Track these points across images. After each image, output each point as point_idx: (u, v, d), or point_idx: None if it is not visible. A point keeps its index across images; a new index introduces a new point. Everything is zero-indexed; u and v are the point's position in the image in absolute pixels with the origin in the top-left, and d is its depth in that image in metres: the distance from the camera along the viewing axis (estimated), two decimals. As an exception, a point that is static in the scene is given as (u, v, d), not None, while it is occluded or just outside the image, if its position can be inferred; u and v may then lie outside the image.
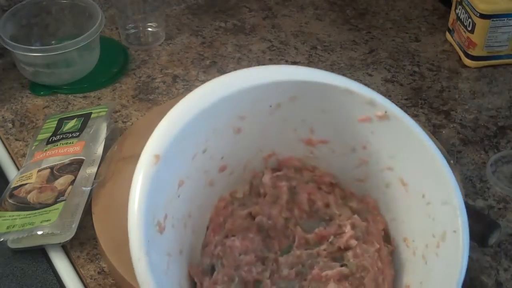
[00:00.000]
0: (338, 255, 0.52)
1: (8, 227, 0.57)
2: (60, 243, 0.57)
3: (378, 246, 0.51)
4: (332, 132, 0.51)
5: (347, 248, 0.51)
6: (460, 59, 0.83)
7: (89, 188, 0.60)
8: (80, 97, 0.77)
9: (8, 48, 0.74)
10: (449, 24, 0.86)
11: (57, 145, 0.66)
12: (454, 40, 0.85)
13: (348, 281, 0.50)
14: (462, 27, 0.81)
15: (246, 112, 0.49)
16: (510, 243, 0.59)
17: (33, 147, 0.68)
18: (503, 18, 0.77)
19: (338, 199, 0.55)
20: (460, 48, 0.83)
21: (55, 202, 0.59)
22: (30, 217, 0.58)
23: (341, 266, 0.51)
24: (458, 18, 0.82)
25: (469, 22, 0.79)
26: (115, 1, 0.83)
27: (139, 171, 0.42)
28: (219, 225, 0.52)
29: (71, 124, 0.69)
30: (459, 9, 0.82)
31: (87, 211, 0.59)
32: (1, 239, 0.57)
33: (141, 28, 0.85)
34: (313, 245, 0.52)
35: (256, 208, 0.53)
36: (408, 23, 0.91)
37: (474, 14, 0.77)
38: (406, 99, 0.77)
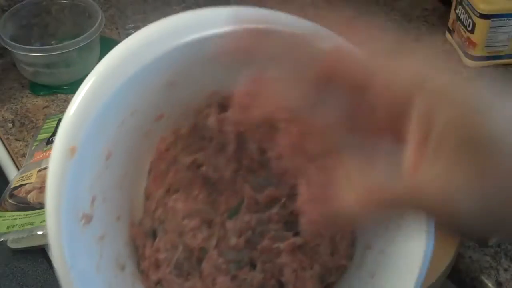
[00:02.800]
0: (291, 220, 0.47)
1: (8, 227, 0.57)
2: (60, 243, 0.57)
3: None
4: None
5: (300, 212, 0.46)
6: (460, 59, 0.83)
7: (89, 188, 0.60)
8: (80, 97, 0.77)
9: (8, 48, 0.74)
10: (449, 24, 0.86)
11: (57, 145, 0.66)
12: (454, 40, 0.85)
13: (302, 251, 0.46)
14: (462, 27, 0.81)
15: (179, 68, 0.42)
16: (510, 243, 0.59)
17: (33, 147, 0.68)
18: (503, 18, 0.77)
19: (293, 141, 0.47)
20: (460, 48, 0.83)
21: (55, 202, 0.59)
22: (30, 217, 0.58)
23: (294, 234, 0.46)
24: (458, 18, 0.82)
25: (469, 22, 0.79)
26: (115, 1, 0.83)
27: (52, 175, 0.37)
28: (161, 173, 0.47)
29: (71, 124, 0.69)
30: (459, 9, 0.82)
31: (87, 211, 0.59)
32: (1, 239, 0.57)
33: (141, 28, 0.85)
34: (264, 207, 0.47)
35: (201, 155, 0.47)
36: (408, 23, 0.91)
37: (474, 14, 0.77)
38: (406, 99, 0.77)
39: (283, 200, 0.47)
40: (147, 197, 0.47)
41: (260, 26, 0.40)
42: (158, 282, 0.45)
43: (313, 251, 0.47)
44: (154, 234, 0.46)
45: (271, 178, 0.47)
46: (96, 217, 0.40)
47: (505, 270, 0.57)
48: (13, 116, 0.75)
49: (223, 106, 0.47)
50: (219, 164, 0.47)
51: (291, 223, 0.47)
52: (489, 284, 0.56)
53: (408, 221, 0.42)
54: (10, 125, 0.74)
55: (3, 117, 0.75)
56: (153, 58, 0.39)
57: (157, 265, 0.45)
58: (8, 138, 0.72)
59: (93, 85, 0.39)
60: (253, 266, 0.46)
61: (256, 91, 0.41)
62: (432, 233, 0.40)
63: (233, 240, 0.46)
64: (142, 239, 0.45)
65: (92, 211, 0.40)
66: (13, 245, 0.57)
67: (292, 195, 0.47)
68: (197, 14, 0.43)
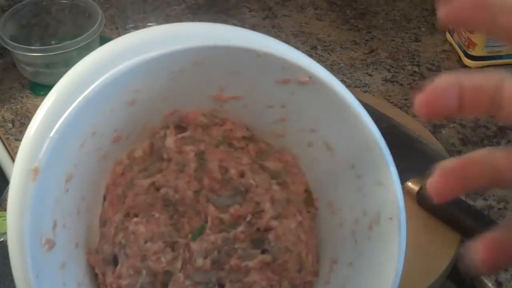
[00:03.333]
0: (258, 237, 0.46)
1: (8, 227, 0.57)
2: (60, 243, 0.57)
3: (300, 218, 0.46)
4: (245, 90, 0.45)
5: (268, 229, 0.46)
6: (460, 59, 0.83)
7: (89, 188, 0.60)
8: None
9: (8, 48, 0.74)
10: (449, 24, 0.86)
11: (57, 145, 0.66)
12: (454, 40, 0.85)
13: (271, 268, 0.45)
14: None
15: (141, 85, 0.41)
16: (510, 243, 0.59)
17: (33, 147, 0.68)
18: (503, 18, 0.77)
19: (253, 159, 0.48)
20: (460, 48, 0.83)
21: (55, 202, 0.59)
22: (30, 217, 0.58)
23: (263, 252, 0.46)
24: (458, 18, 0.82)
25: (469, 22, 0.79)
26: (115, 1, 0.83)
27: (14, 197, 0.36)
28: (117, 198, 0.45)
29: (71, 124, 0.69)
30: (459, 9, 0.82)
31: (87, 211, 0.59)
32: (1, 239, 0.57)
33: (141, 28, 0.85)
34: (229, 226, 0.46)
35: (160, 177, 0.46)
36: (408, 23, 0.91)
37: (474, 14, 0.77)
38: (406, 99, 0.77)
39: (249, 218, 0.46)
40: (104, 223, 0.45)
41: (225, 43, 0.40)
42: None
43: (282, 267, 0.46)
44: (115, 260, 0.44)
45: (234, 196, 0.47)
46: (58, 243, 0.39)
47: (505, 270, 0.57)
48: (13, 116, 0.75)
49: (181, 127, 0.47)
50: (179, 185, 0.46)
51: (258, 240, 0.46)
52: (489, 284, 0.56)
53: (377, 232, 0.41)
54: (10, 125, 0.74)
55: (3, 117, 0.75)
56: (116, 75, 0.38)
57: None
58: (8, 138, 0.72)
59: (54, 103, 0.38)
60: (221, 286, 0.45)
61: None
62: (403, 244, 0.39)
63: (199, 261, 0.45)
64: (101, 267, 0.44)
65: (54, 237, 0.39)
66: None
67: (257, 212, 0.46)
68: (166, 29, 0.42)
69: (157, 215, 0.45)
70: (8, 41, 0.73)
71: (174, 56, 0.40)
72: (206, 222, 0.45)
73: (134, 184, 0.45)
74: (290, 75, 0.41)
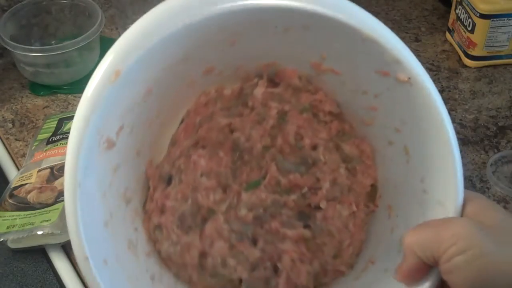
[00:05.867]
0: (306, 212, 0.46)
1: (8, 227, 0.57)
2: (60, 243, 0.57)
3: (355, 209, 0.46)
4: (345, 68, 0.44)
5: (318, 207, 0.46)
6: (460, 59, 0.83)
7: (89, 188, 0.60)
8: (80, 97, 0.76)
9: (8, 48, 0.74)
10: (449, 24, 0.86)
11: (57, 145, 0.66)
12: (454, 40, 0.85)
13: (306, 245, 0.46)
14: (462, 27, 0.81)
15: (243, 29, 0.41)
16: (510, 243, 0.59)
17: (33, 147, 0.68)
18: (503, 18, 0.77)
19: (332, 137, 0.48)
20: (460, 48, 0.83)
21: (55, 202, 0.59)
22: (30, 217, 0.58)
23: (305, 226, 0.46)
24: (458, 18, 0.82)
25: (469, 22, 0.79)
26: (115, 1, 0.83)
27: (91, 90, 0.38)
28: (193, 126, 0.46)
29: (71, 124, 0.69)
30: (459, 9, 0.82)
31: (87, 211, 0.59)
32: (1, 239, 0.57)
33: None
34: (283, 191, 0.46)
35: (238, 121, 0.46)
36: (408, 23, 0.91)
37: (474, 14, 0.77)
38: (406, 99, 0.77)
39: (305, 190, 0.46)
40: (173, 143, 0.47)
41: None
42: (158, 226, 0.45)
43: (318, 248, 0.46)
44: (169, 181, 0.46)
45: (299, 165, 0.47)
46: (118, 146, 0.40)
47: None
48: (13, 116, 0.75)
49: (274, 82, 0.47)
50: (252, 135, 0.47)
51: (305, 214, 0.46)
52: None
53: None
54: (10, 125, 0.74)
55: (3, 117, 0.75)
56: (218, 11, 0.39)
57: (162, 210, 0.45)
58: (8, 138, 0.72)
59: (157, 19, 0.39)
60: (254, 242, 0.45)
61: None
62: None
63: (243, 212, 0.45)
64: (155, 181, 0.46)
65: (116, 139, 0.40)
66: (13, 245, 0.57)
67: (314, 188, 0.46)
68: None
69: (221, 154, 0.46)
70: (8, 41, 0.73)
71: (282, 12, 0.39)
72: (264, 178, 0.46)
73: (212, 118, 0.47)
74: (391, 70, 0.41)
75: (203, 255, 0.45)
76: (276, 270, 0.45)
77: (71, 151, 0.38)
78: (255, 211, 0.45)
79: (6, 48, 0.75)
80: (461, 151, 0.69)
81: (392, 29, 0.42)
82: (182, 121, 0.47)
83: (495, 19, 0.77)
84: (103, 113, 0.38)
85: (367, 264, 0.46)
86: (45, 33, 0.82)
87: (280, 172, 0.46)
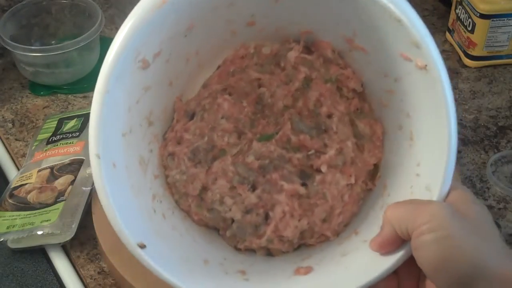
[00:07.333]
0: (307, 172, 0.50)
1: (8, 227, 0.57)
2: (60, 243, 0.57)
3: (353, 181, 0.49)
4: (373, 47, 0.46)
5: (319, 170, 0.49)
6: (460, 59, 0.83)
7: (89, 188, 0.60)
8: (80, 97, 0.77)
9: (8, 48, 0.74)
10: (449, 24, 0.86)
11: (57, 145, 0.66)
12: (454, 40, 0.85)
13: (299, 201, 0.49)
14: (462, 27, 0.81)
15: None
16: (510, 243, 0.59)
17: (33, 147, 0.68)
18: (503, 18, 0.77)
19: (349, 112, 0.50)
20: (460, 48, 0.83)
21: (55, 202, 0.59)
22: (30, 217, 0.58)
23: (302, 185, 0.49)
24: (458, 18, 0.82)
25: (469, 22, 0.79)
26: (115, 1, 0.83)
27: (137, 9, 0.41)
28: (227, 74, 0.51)
29: (71, 124, 0.69)
30: (459, 9, 0.82)
31: (87, 211, 0.59)
32: (1, 239, 0.57)
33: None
34: (291, 148, 0.50)
35: (267, 78, 0.50)
36: (408, 23, 0.91)
37: (474, 14, 0.77)
38: (406, 99, 0.77)
39: (311, 152, 0.49)
40: (205, 85, 0.51)
41: None
42: (171, 154, 0.49)
43: (309, 207, 0.49)
44: (192, 116, 0.50)
45: (312, 129, 0.50)
46: (152, 69, 0.43)
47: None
48: (13, 116, 0.75)
49: (309, 49, 0.51)
50: (277, 93, 0.50)
51: (305, 174, 0.49)
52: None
53: None
54: (10, 125, 0.74)
55: (3, 117, 0.75)
56: None
57: (179, 141, 0.50)
58: (8, 138, 0.72)
59: None
60: (253, 188, 0.49)
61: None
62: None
63: (250, 158, 0.49)
64: (180, 114, 0.50)
65: (152, 61, 0.43)
66: (13, 245, 0.57)
67: (320, 152, 0.49)
68: None
69: (245, 104, 0.50)
70: (8, 41, 0.73)
71: None
72: (277, 133, 0.50)
73: (245, 71, 0.51)
74: (412, 54, 0.42)
75: (205, 188, 0.49)
76: (266, 218, 0.48)
77: (108, 60, 0.40)
78: (261, 161, 0.49)
79: (6, 48, 0.75)
80: (461, 151, 0.69)
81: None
82: (218, 68, 0.51)
83: (495, 19, 0.77)
84: (144, 33, 0.41)
85: (351, 234, 0.48)
86: (45, 33, 0.82)
87: (293, 131, 0.50)
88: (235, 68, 0.50)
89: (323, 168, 0.49)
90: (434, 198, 0.41)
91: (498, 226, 0.56)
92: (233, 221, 0.49)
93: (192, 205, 0.49)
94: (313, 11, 0.46)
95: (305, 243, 0.49)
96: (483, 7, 0.76)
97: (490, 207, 0.63)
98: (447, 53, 0.85)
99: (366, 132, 0.50)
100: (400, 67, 0.43)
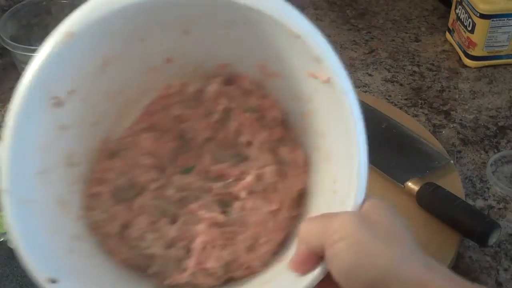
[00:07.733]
0: (228, 199, 0.48)
1: (8, 227, 0.57)
2: (60, 243, 0.57)
3: (276, 207, 0.47)
4: (286, 71, 0.45)
5: (238, 198, 0.48)
6: (460, 59, 0.83)
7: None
8: (80, 97, 0.77)
9: (8, 48, 0.74)
10: (449, 24, 0.86)
11: (57, 145, 0.66)
12: (454, 40, 0.85)
13: (220, 230, 0.47)
14: (462, 27, 0.81)
15: (198, 16, 0.43)
16: (510, 243, 0.59)
17: (33, 147, 0.68)
18: (503, 18, 0.77)
19: (271, 140, 0.50)
20: (460, 48, 0.83)
21: (55, 202, 0.59)
22: (30, 217, 0.58)
23: (222, 213, 0.48)
24: (458, 18, 0.82)
25: (469, 22, 0.79)
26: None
27: (46, 47, 0.40)
28: (151, 112, 0.50)
29: (71, 124, 0.69)
30: (459, 9, 0.82)
31: (87, 211, 0.59)
32: (1, 239, 0.57)
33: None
34: (211, 178, 0.49)
35: (188, 113, 0.50)
36: (408, 23, 0.91)
37: (474, 14, 0.77)
38: (406, 99, 0.77)
39: (230, 180, 0.48)
40: (131, 126, 0.50)
41: None
42: (94, 195, 0.47)
43: (231, 235, 0.47)
44: (112, 155, 0.49)
45: (232, 157, 0.50)
46: (68, 107, 0.42)
47: (505, 270, 0.57)
48: (13, 116, 0.75)
49: (228, 81, 0.50)
50: (198, 127, 0.50)
51: (225, 202, 0.48)
52: (489, 284, 0.56)
53: None
54: (10, 125, 0.74)
55: (3, 117, 0.75)
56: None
57: (100, 181, 0.48)
58: (8, 138, 0.72)
59: None
60: (172, 221, 0.48)
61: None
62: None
63: (170, 191, 0.48)
64: (101, 154, 0.48)
65: (66, 99, 0.42)
66: (13, 245, 0.57)
67: (239, 179, 0.48)
68: None
69: (167, 140, 0.49)
70: (8, 41, 0.73)
71: (225, 5, 0.41)
72: (197, 165, 0.49)
73: (168, 109, 0.50)
74: (316, 70, 0.41)
75: (126, 226, 0.47)
76: (188, 251, 0.47)
77: (17, 94, 0.40)
78: (181, 193, 0.48)
79: (6, 48, 0.75)
80: (461, 151, 0.69)
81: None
82: (146, 107, 0.50)
83: (495, 19, 0.77)
84: (52, 70, 0.39)
85: (277, 261, 0.47)
86: (45, 33, 0.81)
87: (212, 162, 0.49)
88: (159, 107, 0.50)
89: (242, 194, 0.48)
90: (348, 210, 0.40)
91: (498, 226, 0.56)
92: (155, 257, 0.47)
93: (113, 244, 0.47)
94: (223, 42, 0.45)
95: (233, 277, 0.47)
96: (483, 7, 0.76)
97: (490, 207, 0.63)
98: (447, 53, 0.85)
99: (287, 159, 0.49)
100: (310, 86, 0.43)
